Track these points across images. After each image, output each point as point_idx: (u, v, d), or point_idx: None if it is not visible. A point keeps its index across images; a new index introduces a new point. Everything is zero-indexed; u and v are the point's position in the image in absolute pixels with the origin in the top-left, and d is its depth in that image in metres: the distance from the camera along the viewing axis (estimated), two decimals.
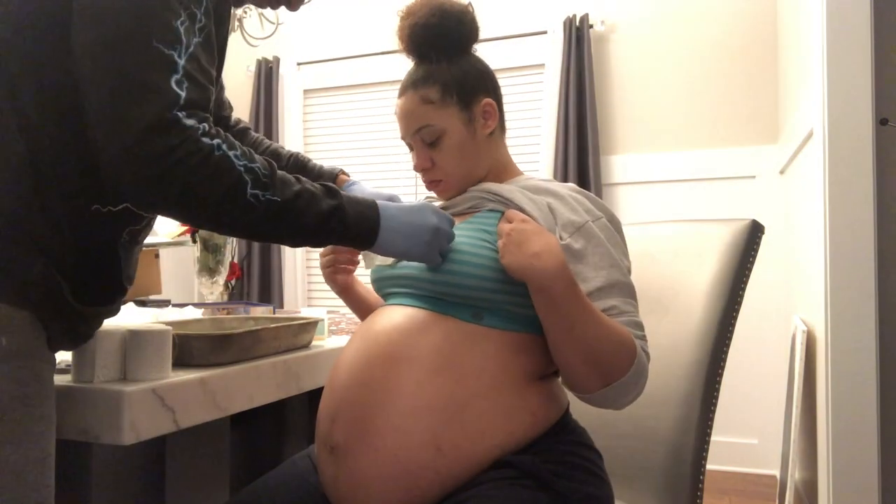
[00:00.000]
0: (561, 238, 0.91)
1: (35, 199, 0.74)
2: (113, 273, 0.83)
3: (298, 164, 1.20)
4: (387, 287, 1.01)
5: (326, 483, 0.89)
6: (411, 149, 1.04)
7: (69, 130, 0.74)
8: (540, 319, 0.87)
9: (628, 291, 0.92)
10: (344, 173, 1.23)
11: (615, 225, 0.97)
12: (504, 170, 1.06)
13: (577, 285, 0.84)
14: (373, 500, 0.83)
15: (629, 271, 0.95)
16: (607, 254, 0.91)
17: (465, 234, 0.93)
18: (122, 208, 0.80)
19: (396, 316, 0.93)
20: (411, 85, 1.01)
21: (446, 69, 1.00)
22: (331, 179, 1.20)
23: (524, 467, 0.83)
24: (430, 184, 1.05)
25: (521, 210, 0.94)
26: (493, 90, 1.05)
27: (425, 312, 0.91)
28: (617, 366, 0.85)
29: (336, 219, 0.80)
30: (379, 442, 0.82)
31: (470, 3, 1.03)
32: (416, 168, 1.04)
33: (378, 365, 0.87)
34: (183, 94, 0.70)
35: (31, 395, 0.73)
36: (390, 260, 0.99)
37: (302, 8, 1.03)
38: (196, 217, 0.73)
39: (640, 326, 0.91)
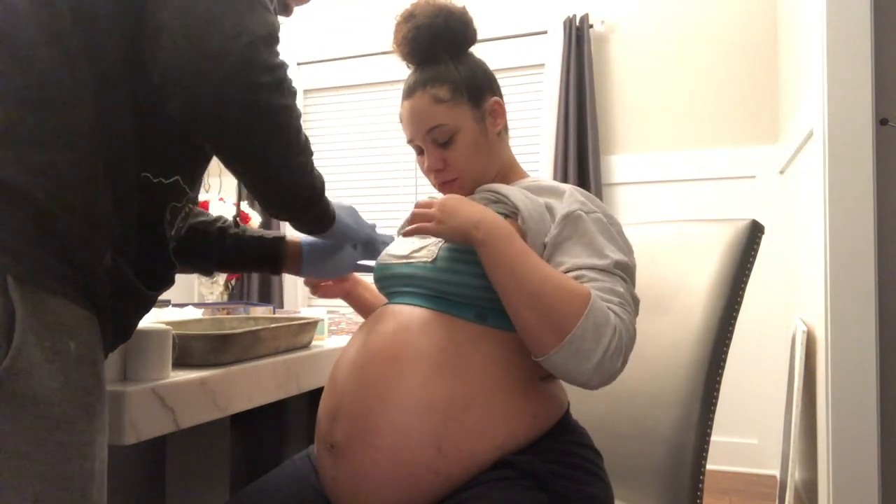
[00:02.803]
0: (549, 235, 0.90)
1: (104, 173, 0.68)
2: (165, 252, 0.80)
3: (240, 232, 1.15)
4: (390, 286, 1.01)
5: (326, 482, 0.89)
6: (420, 152, 1.03)
7: (138, 82, 0.71)
8: (488, 275, 0.86)
9: (606, 272, 0.86)
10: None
11: (611, 221, 0.93)
12: (510, 171, 1.06)
13: (518, 238, 0.86)
14: (372, 499, 0.83)
15: (622, 265, 0.88)
16: (590, 244, 0.88)
17: None
18: (172, 181, 0.77)
19: (399, 315, 0.93)
20: (420, 85, 1.00)
21: (454, 69, 1.00)
22: (275, 244, 1.16)
23: (524, 467, 0.83)
24: (443, 185, 1.03)
25: (516, 208, 0.93)
26: (498, 90, 1.05)
27: (428, 312, 0.91)
28: (565, 311, 0.79)
29: (319, 189, 0.91)
30: (379, 441, 0.82)
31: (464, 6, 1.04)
32: (429, 169, 1.03)
33: (380, 364, 0.87)
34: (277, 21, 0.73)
35: (94, 404, 0.68)
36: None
37: (302, 8, 1.03)
38: (253, 133, 0.73)
39: (614, 293, 0.84)
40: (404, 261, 0.99)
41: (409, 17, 1.01)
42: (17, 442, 0.59)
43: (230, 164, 0.78)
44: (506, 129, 1.07)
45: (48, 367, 0.61)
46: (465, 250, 0.90)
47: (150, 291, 0.77)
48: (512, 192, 0.96)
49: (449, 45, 1.01)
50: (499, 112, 1.03)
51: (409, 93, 1.01)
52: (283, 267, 1.16)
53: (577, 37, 3.10)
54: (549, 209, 0.93)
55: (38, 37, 0.65)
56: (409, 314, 0.92)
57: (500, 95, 1.06)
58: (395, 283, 1.00)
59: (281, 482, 0.95)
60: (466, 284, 0.89)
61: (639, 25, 3.11)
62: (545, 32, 3.21)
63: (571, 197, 0.94)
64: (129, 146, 0.71)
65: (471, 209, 0.87)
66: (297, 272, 1.17)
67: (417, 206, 0.92)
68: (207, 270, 1.18)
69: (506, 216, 0.94)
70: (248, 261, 1.15)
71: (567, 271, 0.86)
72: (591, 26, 3.11)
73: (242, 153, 0.76)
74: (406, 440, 0.82)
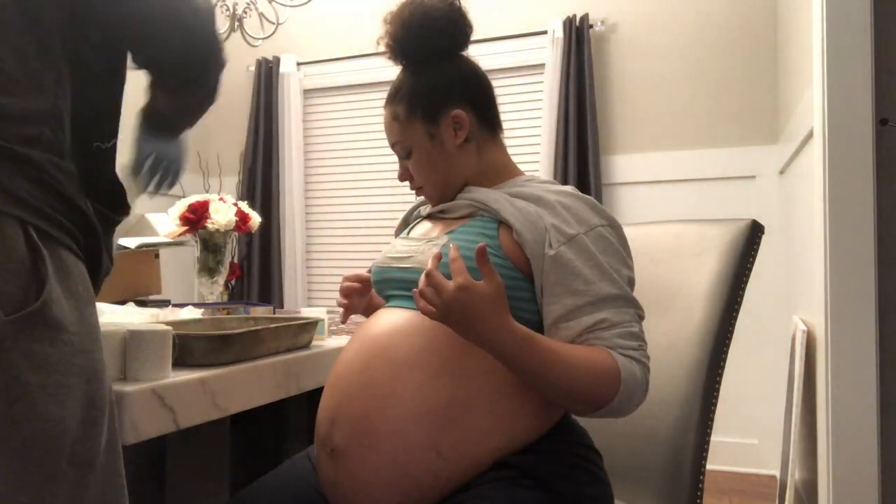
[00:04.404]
0: (551, 245, 0.88)
1: (82, 141, 0.78)
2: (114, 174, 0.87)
3: None
4: (388, 289, 1.01)
5: (326, 485, 0.89)
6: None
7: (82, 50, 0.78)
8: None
9: (623, 302, 0.88)
10: None
11: (614, 231, 0.92)
12: (497, 172, 1.03)
13: (532, 338, 0.82)
14: (372, 502, 0.83)
15: (630, 280, 0.91)
16: (598, 266, 0.87)
17: (465, 239, 0.92)
18: (112, 144, 0.86)
19: (397, 318, 0.93)
20: (387, 100, 1.05)
21: (416, 82, 1.01)
22: None
23: (524, 467, 0.83)
24: (417, 191, 1.07)
25: (507, 222, 0.91)
26: (468, 98, 1.01)
27: None
28: (600, 396, 0.84)
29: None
30: (378, 445, 0.82)
31: (455, 1, 1.01)
32: (399, 178, 1.07)
33: (378, 367, 0.87)
34: None
35: (100, 339, 0.74)
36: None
37: (303, 7, 1.04)
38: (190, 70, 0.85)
39: (634, 337, 0.87)
40: (402, 264, 0.98)
41: (384, 23, 1.03)
42: (55, 361, 0.67)
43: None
44: (495, 128, 1.04)
45: (69, 303, 0.69)
46: (463, 255, 0.89)
47: (115, 216, 0.84)
48: (499, 202, 0.93)
49: (427, 49, 1.01)
50: (461, 124, 0.99)
51: (384, 105, 1.06)
52: None
53: (577, 37, 3.10)
54: (542, 219, 0.90)
55: (21, 24, 0.72)
56: (406, 317, 0.92)
57: (477, 101, 1.01)
58: (392, 286, 0.99)
59: (281, 482, 0.95)
60: None
61: (639, 25, 3.11)
62: (545, 32, 3.21)
63: (566, 209, 0.91)
64: (98, 117, 0.81)
65: (479, 330, 0.81)
66: None
67: (427, 275, 0.82)
68: None
69: (500, 223, 0.93)
70: None
71: (586, 308, 0.86)
72: (591, 26, 3.10)
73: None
74: (405, 444, 0.82)
